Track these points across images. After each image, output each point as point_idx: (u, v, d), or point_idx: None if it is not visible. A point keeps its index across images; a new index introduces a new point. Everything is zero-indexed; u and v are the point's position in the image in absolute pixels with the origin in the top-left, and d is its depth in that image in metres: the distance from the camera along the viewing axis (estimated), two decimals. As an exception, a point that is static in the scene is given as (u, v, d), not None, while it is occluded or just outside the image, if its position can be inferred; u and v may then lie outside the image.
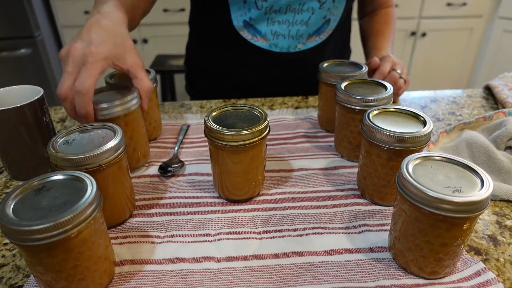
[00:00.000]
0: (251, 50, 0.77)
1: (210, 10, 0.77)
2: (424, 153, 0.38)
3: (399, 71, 0.70)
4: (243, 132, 0.42)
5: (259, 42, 0.76)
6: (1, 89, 0.52)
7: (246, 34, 0.75)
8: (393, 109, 0.48)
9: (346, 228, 0.44)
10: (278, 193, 0.50)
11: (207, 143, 0.48)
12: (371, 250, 0.40)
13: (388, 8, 0.87)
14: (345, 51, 0.90)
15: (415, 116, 0.47)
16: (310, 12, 0.73)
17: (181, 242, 0.42)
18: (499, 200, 0.48)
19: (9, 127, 0.48)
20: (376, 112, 0.47)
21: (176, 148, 0.59)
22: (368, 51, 0.86)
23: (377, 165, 0.45)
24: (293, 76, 0.82)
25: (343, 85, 0.56)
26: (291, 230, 0.44)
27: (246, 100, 0.78)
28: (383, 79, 0.69)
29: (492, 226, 0.44)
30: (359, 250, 0.40)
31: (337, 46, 0.84)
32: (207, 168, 0.55)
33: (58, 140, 0.42)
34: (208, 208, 0.47)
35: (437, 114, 0.71)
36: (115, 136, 0.42)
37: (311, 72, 0.74)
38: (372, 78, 0.62)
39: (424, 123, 0.45)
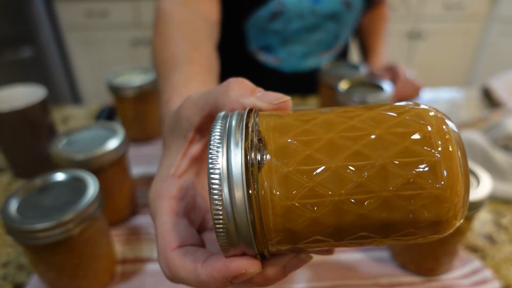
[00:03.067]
0: (264, 70, 0.75)
1: (226, 36, 0.71)
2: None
3: (412, 77, 0.71)
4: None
5: (271, 62, 0.74)
6: (5, 89, 0.52)
7: (260, 56, 0.74)
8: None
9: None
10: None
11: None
12: (370, 249, 0.41)
13: (383, 7, 0.87)
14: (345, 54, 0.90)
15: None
16: (325, 32, 0.72)
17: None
18: (495, 199, 0.48)
19: (13, 127, 0.48)
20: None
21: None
22: (365, 52, 0.87)
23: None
24: (301, 91, 0.82)
25: (342, 86, 0.57)
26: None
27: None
28: (405, 88, 0.70)
29: (488, 225, 0.44)
30: (358, 249, 0.41)
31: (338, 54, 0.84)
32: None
33: (60, 139, 0.42)
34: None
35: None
36: (117, 136, 0.42)
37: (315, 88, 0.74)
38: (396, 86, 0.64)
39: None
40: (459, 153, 0.16)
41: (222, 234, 0.17)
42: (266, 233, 0.17)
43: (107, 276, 0.37)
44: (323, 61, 0.76)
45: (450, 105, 0.76)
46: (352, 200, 0.16)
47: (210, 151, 0.17)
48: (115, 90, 0.58)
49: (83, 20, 1.78)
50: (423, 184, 0.16)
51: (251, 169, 0.17)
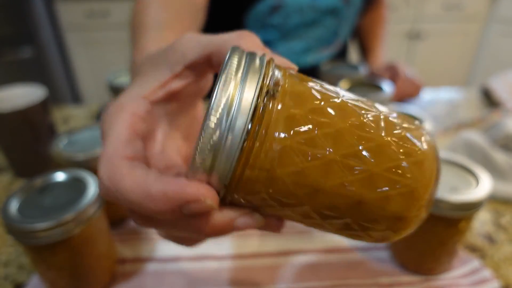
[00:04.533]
0: None
1: (225, 31, 0.73)
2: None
3: (412, 76, 0.71)
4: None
5: None
6: (5, 89, 0.52)
7: None
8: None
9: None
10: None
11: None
12: (370, 249, 0.41)
13: (381, 8, 0.87)
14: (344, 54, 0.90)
15: (412, 117, 0.47)
16: (324, 27, 0.72)
17: (182, 241, 0.42)
18: (495, 199, 0.48)
19: (13, 127, 0.48)
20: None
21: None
22: (365, 54, 0.87)
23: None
24: None
25: (342, 86, 0.57)
26: (291, 228, 0.44)
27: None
28: (406, 85, 0.70)
29: (487, 224, 0.44)
30: (358, 249, 0.41)
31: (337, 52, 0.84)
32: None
33: (61, 139, 0.42)
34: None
35: (433, 115, 0.72)
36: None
37: None
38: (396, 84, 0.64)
39: (420, 123, 0.46)
40: (439, 162, 0.18)
41: (205, 151, 0.16)
42: (249, 168, 0.17)
43: (107, 276, 0.37)
44: (322, 57, 0.77)
45: (450, 105, 0.76)
46: (344, 164, 0.17)
47: (226, 70, 0.17)
48: (115, 90, 0.58)
49: (83, 20, 1.78)
50: (409, 173, 0.17)
51: (261, 103, 0.17)
